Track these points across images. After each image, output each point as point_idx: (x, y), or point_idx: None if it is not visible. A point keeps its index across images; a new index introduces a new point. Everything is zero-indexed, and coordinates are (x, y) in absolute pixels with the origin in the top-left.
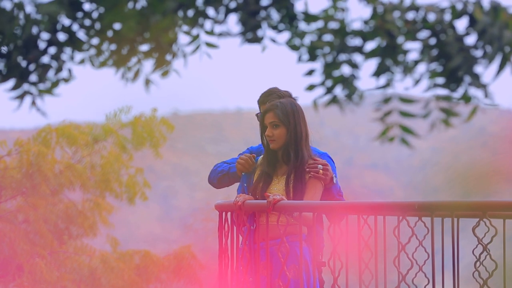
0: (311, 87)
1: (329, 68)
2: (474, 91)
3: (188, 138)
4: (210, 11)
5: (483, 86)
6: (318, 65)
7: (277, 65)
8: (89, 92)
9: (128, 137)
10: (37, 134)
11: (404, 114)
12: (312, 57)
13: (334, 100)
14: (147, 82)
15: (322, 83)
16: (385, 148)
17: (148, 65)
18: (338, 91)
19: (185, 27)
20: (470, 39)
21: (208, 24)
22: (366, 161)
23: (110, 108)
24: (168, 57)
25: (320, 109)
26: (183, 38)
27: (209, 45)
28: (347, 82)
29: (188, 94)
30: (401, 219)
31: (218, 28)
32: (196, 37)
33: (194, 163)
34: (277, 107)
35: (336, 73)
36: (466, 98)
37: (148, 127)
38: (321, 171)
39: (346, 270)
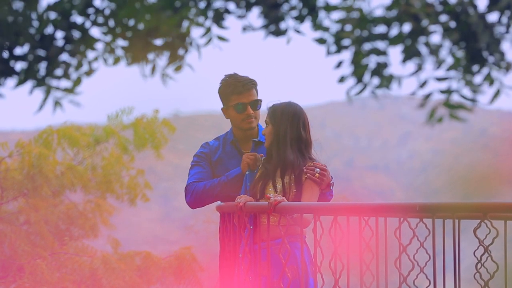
0: (342, 79)
1: (357, 58)
2: (497, 74)
3: (190, 139)
4: (231, 6)
5: (508, 65)
6: (345, 56)
7: (277, 65)
8: (90, 93)
9: (129, 138)
10: (39, 136)
11: (445, 91)
12: (339, 48)
13: (364, 89)
14: (164, 76)
15: (353, 74)
16: (386, 150)
17: (163, 60)
18: (373, 81)
19: (199, 18)
20: (492, 17)
21: (228, 19)
22: (367, 162)
23: (112, 109)
24: (181, 51)
25: (353, 100)
26: (195, 32)
27: (220, 38)
28: (378, 71)
29: (189, 95)
30: (402, 221)
31: (240, 23)
32: (208, 30)
33: None
34: (271, 107)
35: (364, 62)
36: (490, 80)
37: (150, 128)
38: (317, 174)
39: (347, 271)
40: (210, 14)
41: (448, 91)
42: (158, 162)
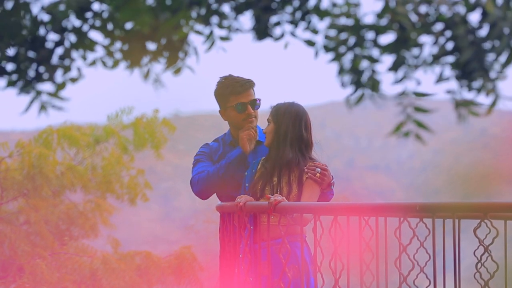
0: (343, 85)
1: (353, 64)
2: (495, 83)
3: (190, 139)
4: (224, 8)
5: (491, 81)
6: (340, 63)
7: (277, 66)
8: (91, 93)
9: (129, 138)
10: (39, 136)
11: (418, 109)
12: (336, 55)
13: (363, 96)
14: (156, 81)
15: (351, 81)
16: (386, 150)
17: (159, 64)
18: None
19: (198, 26)
20: (483, 32)
21: (218, 19)
22: (367, 162)
23: (112, 109)
24: (181, 55)
25: (354, 107)
26: (195, 37)
27: (223, 38)
28: (371, 77)
29: (189, 96)
30: (403, 220)
31: (229, 23)
32: (210, 35)
33: None
34: (274, 106)
35: (360, 67)
36: (487, 89)
37: (150, 128)
38: (318, 174)
39: (347, 271)
40: (214, 20)
41: (423, 109)
42: (158, 162)
